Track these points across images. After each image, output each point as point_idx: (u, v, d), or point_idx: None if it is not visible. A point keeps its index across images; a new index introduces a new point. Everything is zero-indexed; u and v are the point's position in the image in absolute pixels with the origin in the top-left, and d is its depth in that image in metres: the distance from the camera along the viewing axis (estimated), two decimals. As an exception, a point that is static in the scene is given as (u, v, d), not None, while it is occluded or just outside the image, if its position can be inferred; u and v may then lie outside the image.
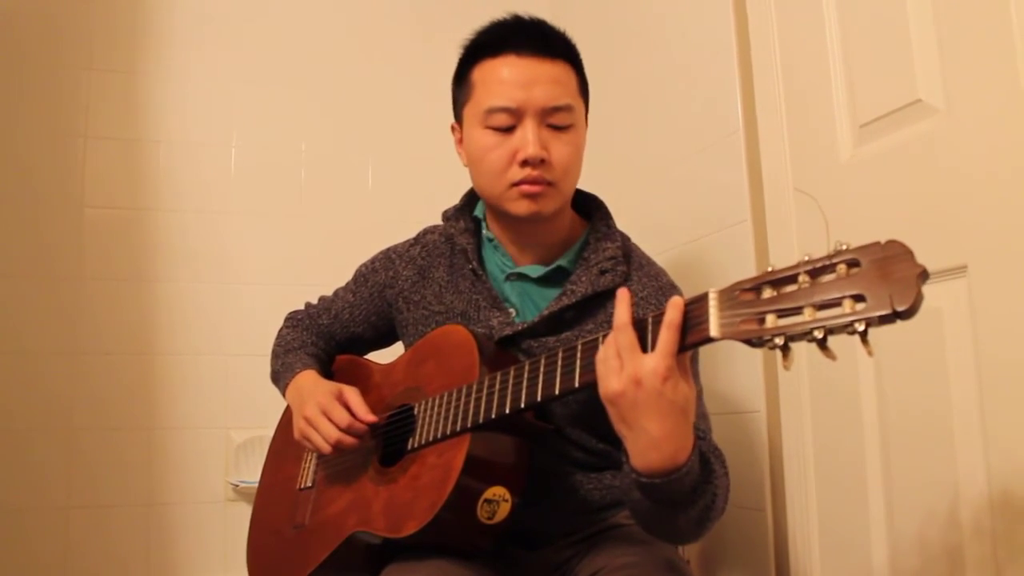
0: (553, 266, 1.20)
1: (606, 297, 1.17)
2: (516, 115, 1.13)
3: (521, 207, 1.14)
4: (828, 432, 1.30)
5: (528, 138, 1.12)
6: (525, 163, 1.12)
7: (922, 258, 0.70)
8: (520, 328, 1.17)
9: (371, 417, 1.17)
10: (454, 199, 1.34)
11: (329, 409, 1.17)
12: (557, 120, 1.14)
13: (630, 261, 1.21)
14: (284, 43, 2.22)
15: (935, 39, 1.12)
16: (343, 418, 1.16)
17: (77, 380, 1.96)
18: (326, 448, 1.17)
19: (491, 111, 1.14)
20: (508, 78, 1.13)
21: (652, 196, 1.79)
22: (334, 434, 1.16)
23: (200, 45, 2.15)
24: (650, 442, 0.86)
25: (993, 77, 1.03)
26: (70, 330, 1.97)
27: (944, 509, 1.08)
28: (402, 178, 2.24)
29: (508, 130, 1.13)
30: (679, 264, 1.31)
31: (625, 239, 1.25)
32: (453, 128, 1.26)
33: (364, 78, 2.26)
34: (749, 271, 1.45)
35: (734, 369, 1.50)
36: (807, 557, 1.33)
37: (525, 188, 1.13)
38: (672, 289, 1.22)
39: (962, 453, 1.06)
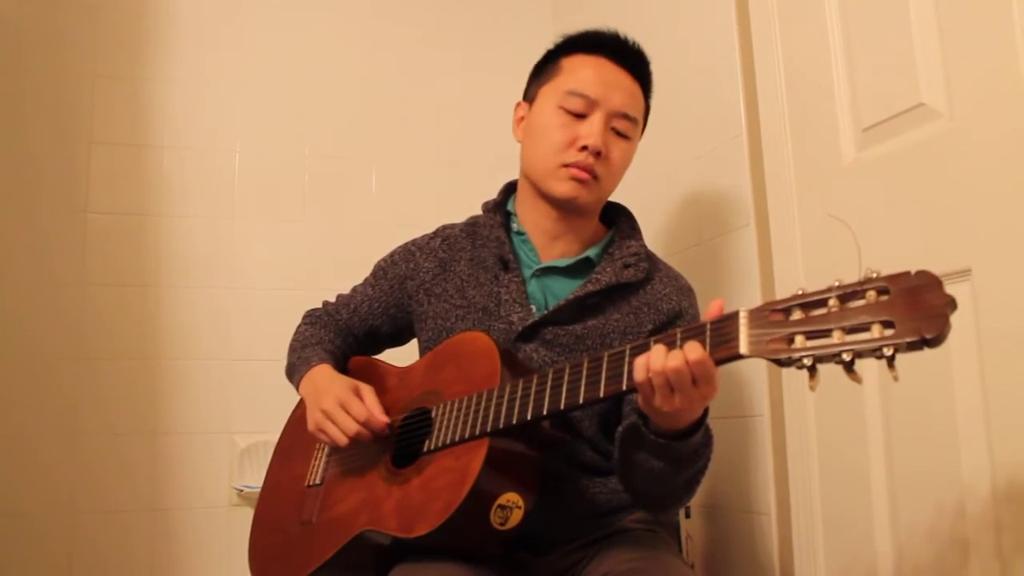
0: (581, 256, 1.25)
1: (629, 291, 1.23)
2: (591, 105, 1.22)
3: (564, 188, 1.21)
4: (832, 436, 1.30)
5: (595, 130, 1.20)
6: (584, 148, 1.20)
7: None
8: (545, 315, 1.19)
9: (384, 418, 1.18)
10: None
11: (347, 403, 1.18)
12: (621, 126, 1.24)
13: (652, 261, 1.27)
14: (287, 48, 2.22)
15: (938, 43, 1.12)
16: (361, 411, 1.17)
17: (82, 385, 1.96)
18: (343, 440, 1.17)
19: (571, 93, 1.22)
20: (595, 73, 1.24)
21: (656, 200, 1.80)
22: (352, 427, 1.16)
23: (204, 51, 2.15)
24: (673, 417, 0.95)
25: (996, 80, 1.03)
26: (74, 335, 1.97)
27: (948, 514, 1.08)
28: (405, 183, 2.25)
29: (578, 116, 1.22)
30: (683, 267, 1.32)
31: (645, 245, 1.30)
32: (518, 105, 1.34)
33: (367, 82, 2.27)
34: (753, 275, 1.46)
35: (738, 373, 1.50)
36: (811, 561, 1.33)
37: (575, 171, 1.21)
38: (690, 291, 1.29)
39: (967, 457, 1.06)
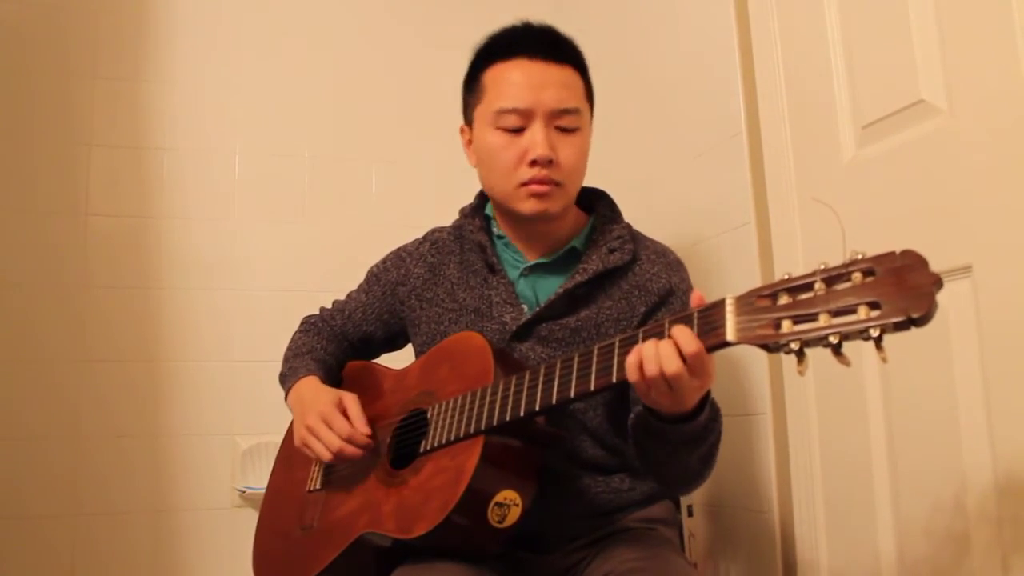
0: (566, 248, 1.24)
1: (618, 275, 1.21)
2: (526, 116, 1.17)
3: (529, 206, 1.18)
4: (834, 434, 1.30)
5: (537, 139, 1.16)
6: (534, 163, 1.16)
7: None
8: (538, 312, 1.19)
9: (366, 429, 1.18)
10: (457, 203, 1.35)
11: (330, 418, 1.18)
12: (565, 123, 1.18)
13: (636, 241, 1.25)
14: (287, 50, 2.22)
15: (937, 39, 1.12)
16: (344, 428, 1.17)
17: (83, 387, 1.96)
18: (327, 456, 1.18)
19: (502, 112, 1.17)
20: (519, 80, 1.17)
21: (656, 199, 1.80)
22: (335, 443, 1.17)
23: (204, 52, 2.15)
24: (673, 406, 0.94)
25: (996, 77, 1.03)
26: (76, 338, 1.97)
27: (950, 509, 1.08)
28: (405, 183, 2.25)
29: (518, 131, 1.17)
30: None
31: (628, 225, 1.28)
32: (462, 130, 1.29)
33: (367, 84, 2.27)
34: (754, 273, 1.45)
35: (740, 372, 1.50)
36: (814, 559, 1.32)
37: (534, 188, 1.17)
38: (679, 265, 1.27)
39: (968, 455, 1.06)
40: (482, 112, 1.21)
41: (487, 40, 1.25)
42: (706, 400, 1.00)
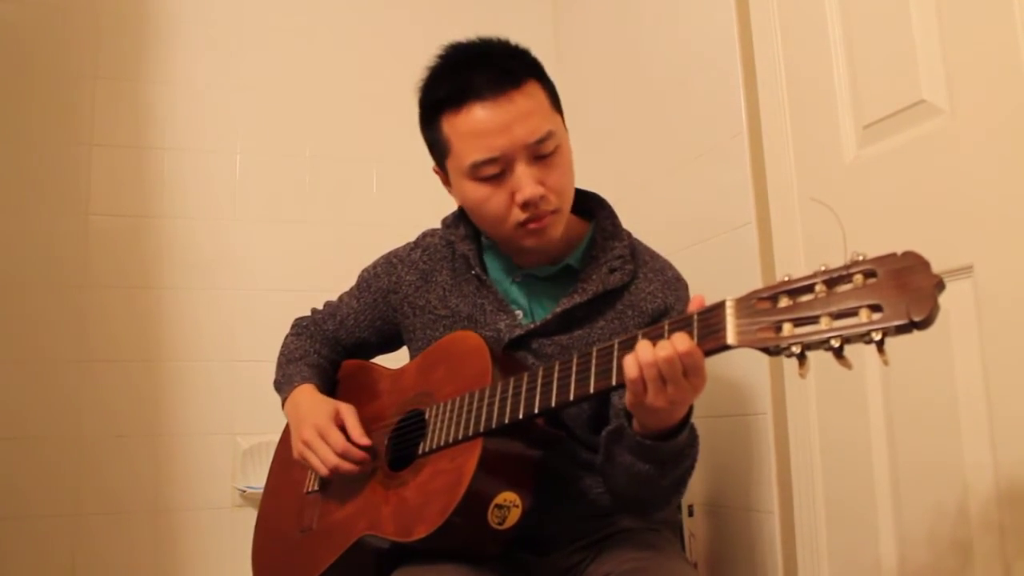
0: (562, 265, 1.21)
1: (615, 296, 1.19)
2: (503, 161, 1.10)
3: (531, 242, 1.15)
4: (835, 434, 1.30)
5: (523, 181, 1.09)
6: (526, 204, 1.10)
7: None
8: (531, 328, 1.17)
9: (366, 440, 1.17)
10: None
11: (326, 432, 1.18)
12: (543, 150, 1.11)
13: (636, 258, 1.22)
14: (288, 49, 2.22)
15: (939, 39, 1.12)
16: (339, 442, 1.16)
17: (84, 387, 1.96)
18: (324, 471, 1.17)
19: (476, 165, 1.10)
20: (483, 128, 1.09)
21: (656, 199, 1.80)
22: (332, 459, 1.16)
23: (205, 52, 2.16)
24: (664, 413, 0.93)
25: (997, 77, 1.03)
26: (77, 337, 1.97)
27: (952, 509, 1.08)
28: (407, 182, 2.24)
29: (499, 176, 1.11)
30: (684, 267, 1.31)
31: (629, 236, 1.26)
32: (436, 171, 1.23)
33: (368, 83, 2.27)
34: (754, 274, 1.45)
35: (741, 371, 1.49)
36: (815, 559, 1.32)
37: (532, 226, 1.12)
38: (678, 282, 1.23)
39: (970, 454, 1.06)
40: (453, 167, 1.15)
41: (430, 87, 1.16)
42: (687, 421, 0.99)
